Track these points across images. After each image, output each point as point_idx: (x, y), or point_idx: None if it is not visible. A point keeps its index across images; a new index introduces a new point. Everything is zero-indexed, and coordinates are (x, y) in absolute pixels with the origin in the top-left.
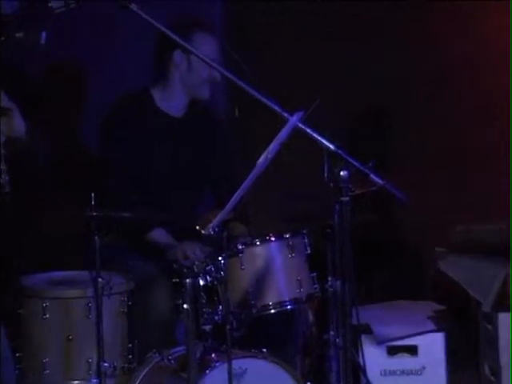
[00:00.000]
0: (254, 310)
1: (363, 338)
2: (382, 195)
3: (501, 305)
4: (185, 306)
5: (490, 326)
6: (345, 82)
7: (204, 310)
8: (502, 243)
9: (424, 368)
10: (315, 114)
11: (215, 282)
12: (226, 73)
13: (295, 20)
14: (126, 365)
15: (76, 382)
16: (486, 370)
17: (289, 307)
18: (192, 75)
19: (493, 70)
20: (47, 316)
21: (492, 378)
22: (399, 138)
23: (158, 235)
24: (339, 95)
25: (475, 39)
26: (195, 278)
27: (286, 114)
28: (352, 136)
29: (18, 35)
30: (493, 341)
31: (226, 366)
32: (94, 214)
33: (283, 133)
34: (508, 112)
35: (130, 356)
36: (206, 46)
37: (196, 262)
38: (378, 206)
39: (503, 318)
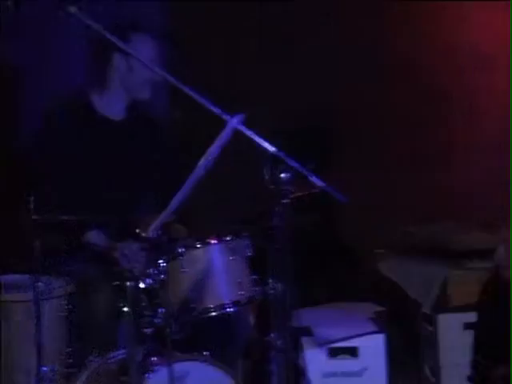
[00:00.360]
0: (195, 313)
1: (304, 340)
2: (323, 197)
3: (441, 306)
4: (125, 309)
5: (430, 327)
6: (287, 83)
7: (145, 313)
8: (442, 245)
9: (365, 369)
10: (256, 115)
11: (156, 285)
12: (166, 74)
13: (237, 21)
14: (66, 369)
15: None
16: (427, 371)
17: (229, 310)
18: (132, 76)
19: (438, 70)
20: None
21: (432, 379)
22: (339, 140)
23: (95, 237)
24: (281, 96)
25: (420, 38)
26: (136, 281)
27: (226, 116)
28: (292, 138)
29: None
30: (433, 342)
31: (166, 369)
32: (34, 217)
33: (223, 135)
34: (450, 114)
35: (70, 360)
36: (144, 48)
37: (136, 265)
38: (319, 208)
39: (443, 319)
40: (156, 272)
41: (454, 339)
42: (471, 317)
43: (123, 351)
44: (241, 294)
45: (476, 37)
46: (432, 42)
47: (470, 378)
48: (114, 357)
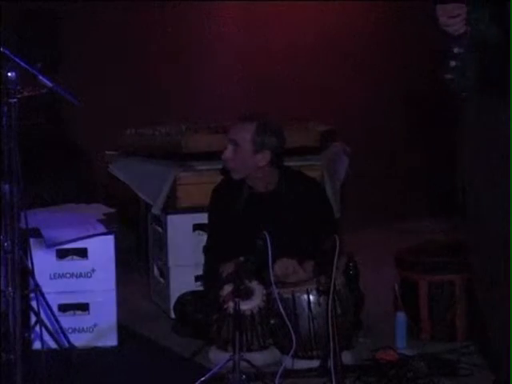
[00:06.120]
0: None
1: (32, 241)
2: (52, 98)
3: (169, 207)
4: None
5: (159, 228)
6: None
7: None
8: (173, 147)
9: (94, 270)
10: None
11: None
12: None
13: None
14: None
15: None
16: (155, 272)
17: None
18: None
19: None
20: None
21: (161, 280)
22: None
23: None
24: None
25: None
26: None
27: None
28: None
29: None
30: (162, 243)
31: None
32: None
33: None
34: None
35: None
36: None
37: None
38: (48, 109)
39: (171, 220)
40: None
41: (183, 240)
42: (200, 218)
43: None
44: None
45: None
46: None
47: (197, 278)
48: None
